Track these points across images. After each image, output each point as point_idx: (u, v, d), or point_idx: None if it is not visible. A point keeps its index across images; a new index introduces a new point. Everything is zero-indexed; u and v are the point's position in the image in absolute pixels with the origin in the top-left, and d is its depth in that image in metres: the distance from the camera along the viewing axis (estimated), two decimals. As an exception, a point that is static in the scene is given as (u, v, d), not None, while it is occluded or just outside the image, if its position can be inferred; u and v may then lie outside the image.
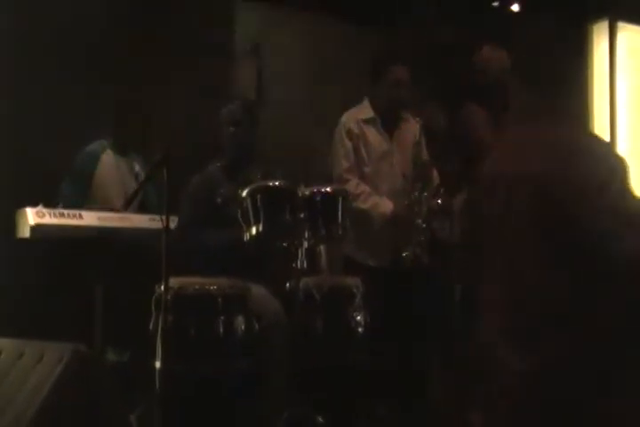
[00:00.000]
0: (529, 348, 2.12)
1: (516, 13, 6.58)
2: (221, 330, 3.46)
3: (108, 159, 4.68)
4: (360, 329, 3.73)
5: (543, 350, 2.10)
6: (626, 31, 6.75)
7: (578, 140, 2.22)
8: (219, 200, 4.00)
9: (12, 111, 4.83)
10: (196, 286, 3.55)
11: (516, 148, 2.29)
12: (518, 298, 2.16)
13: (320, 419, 3.50)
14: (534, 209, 2.12)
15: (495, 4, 6.69)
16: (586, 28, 6.77)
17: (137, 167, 4.70)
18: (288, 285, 3.71)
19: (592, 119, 6.68)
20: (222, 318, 3.48)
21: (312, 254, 3.94)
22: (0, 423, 2.82)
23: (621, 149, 6.47)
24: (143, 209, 4.42)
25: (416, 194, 4.25)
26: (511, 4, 6.63)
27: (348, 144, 4.43)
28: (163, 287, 3.35)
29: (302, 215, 3.70)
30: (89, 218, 4.14)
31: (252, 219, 3.66)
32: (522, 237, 2.15)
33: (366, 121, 4.48)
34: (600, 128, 6.64)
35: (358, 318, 3.74)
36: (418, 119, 4.46)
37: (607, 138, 6.55)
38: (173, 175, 3.32)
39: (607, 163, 2.15)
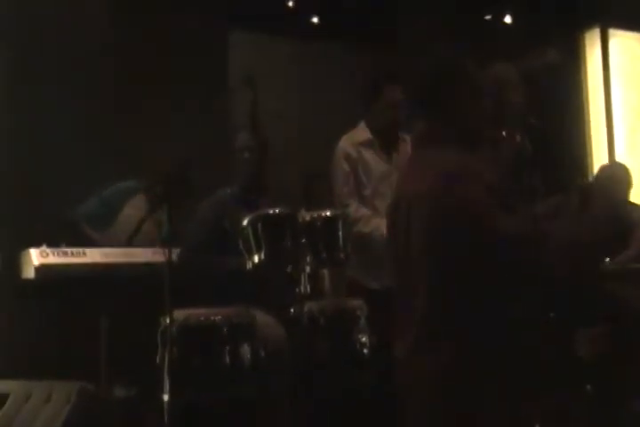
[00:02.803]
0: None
1: (509, 25, 6.64)
2: (228, 359, 3.49)
3: (138, 203, 4.68)
4: (365, 351, 3.73)
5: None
6: (618, 37, 6.78)
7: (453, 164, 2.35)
8: (227, 225, 4.02)
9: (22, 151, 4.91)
10: (201, 317, 3.59)
11: (412, 169, 2.50)
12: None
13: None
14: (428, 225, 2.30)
15: (488, 17, 6.73)
16: (578, 36, 6.82)
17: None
18: (292, 310, 3.72)
19: (589, 125, 6.70)
20: (228, 347, 3.51)
21: (315, 279, 3.96)
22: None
23: (619, 154, 6.50)
24: None
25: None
26: (503, 17, 6.68)
27: (347, 168, 4.42)
28: (168, 320, 3.39)
29: (304, 240, 3.71)
30: (92, 255, 4.16)
31: (253, 247, 3.68)
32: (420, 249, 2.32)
33: (363, 143, 4.47)
34: (597, 134, 6.66)
35: (363, 339, 3.75)
36: None
37: (605, 143, 6.59)
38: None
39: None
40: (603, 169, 5.56)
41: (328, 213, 3.85)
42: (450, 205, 2.23)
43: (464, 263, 2.25)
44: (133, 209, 4.68)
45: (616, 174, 5.37)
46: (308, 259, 3.72)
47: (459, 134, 2.41)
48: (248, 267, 3.68)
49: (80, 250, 4.16)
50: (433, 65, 2.54)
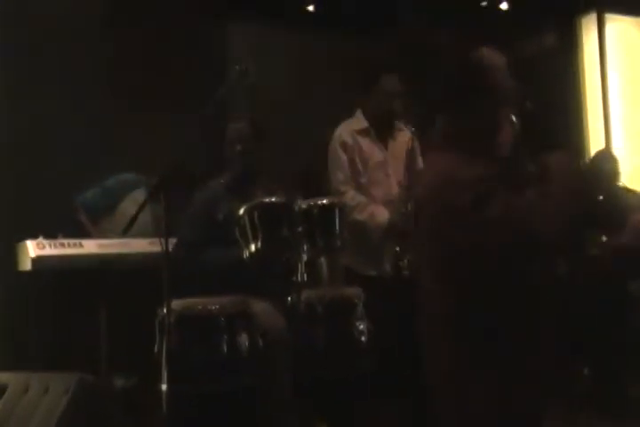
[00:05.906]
0: None
1: (505, 12, 6.61)
2: (226, 349, 3.49)
3: (139, 196, 4.62)
4: (363, 338, 3.74)
5: None
6: (614, 22, 6.75)
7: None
8: (220, 217, 4.01)
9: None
10: (199, 307, 3.59)
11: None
12: None
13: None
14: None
15: (484, 3, 6.70)
16: (574, 20, 6.79)
17: None
18: (289, 298, 3.72)
19: (585, 110, 6.69)
20: (226, 336, 3.51)
21: (312, 267, 3.96)
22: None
23: (615, 140, 6.50)
24: None
25: (412, 202, 4.25)
26: (500, 3, 6.64)
27: (343, 156, 4.44)
28: (165, 310, 3.39)
29: (300, 229, 3.71)
30: (89, 246, 4.17)
31: (250, 236, 3.67)
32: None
33: (360, 132, 4.49)
34: (593, 119, 6.65)
35: (361, 327, 3.76)
36: (411, 127, 4.46)
37: (601, 128, 6.59)
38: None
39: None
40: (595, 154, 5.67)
41: (324, 201, 3.85)
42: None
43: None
44: (133, 202, 4.66)
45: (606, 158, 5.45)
46: (305, 247, 3.72)
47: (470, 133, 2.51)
48: (245, 256, 3.67)
49: (77, 241, 4.16)
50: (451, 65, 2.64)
